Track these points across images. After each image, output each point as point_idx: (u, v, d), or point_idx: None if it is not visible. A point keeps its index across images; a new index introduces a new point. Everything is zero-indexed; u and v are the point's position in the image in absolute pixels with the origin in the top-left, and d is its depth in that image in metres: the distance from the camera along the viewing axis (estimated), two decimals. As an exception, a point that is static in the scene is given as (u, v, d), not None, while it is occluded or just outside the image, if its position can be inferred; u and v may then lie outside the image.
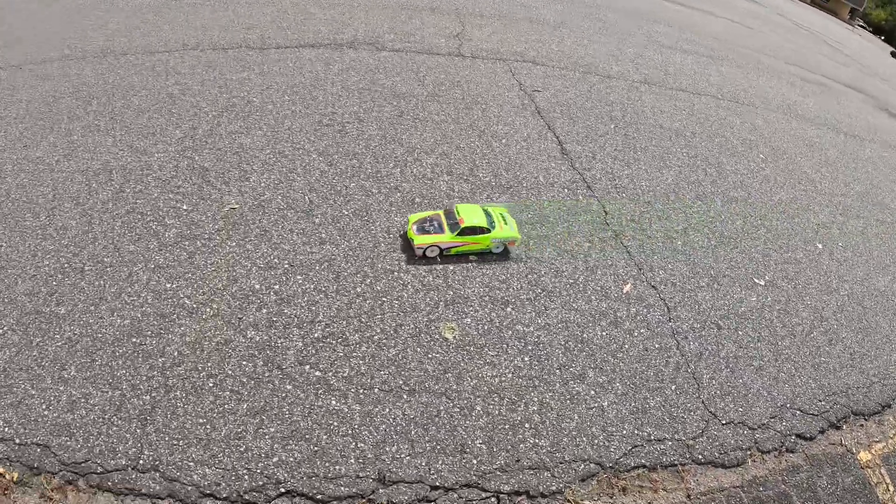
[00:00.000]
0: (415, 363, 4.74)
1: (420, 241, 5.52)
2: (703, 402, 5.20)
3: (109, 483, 3.92)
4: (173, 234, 5.53)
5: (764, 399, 5.42)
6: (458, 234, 5.53)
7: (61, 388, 4.32)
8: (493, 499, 4.15)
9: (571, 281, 5.79)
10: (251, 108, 7.47)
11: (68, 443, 4.05)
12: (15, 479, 3.92)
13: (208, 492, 3.92)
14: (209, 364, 4.56)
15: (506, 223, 5.77)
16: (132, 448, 4.06)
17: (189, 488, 3.93)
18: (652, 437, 4.82)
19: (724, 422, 5.11)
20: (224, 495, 3.92)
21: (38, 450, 4.02)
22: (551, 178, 7.03)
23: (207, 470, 4.00)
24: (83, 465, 3.97)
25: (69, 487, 3.91)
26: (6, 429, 4.10)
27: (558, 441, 4.55)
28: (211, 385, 4.44)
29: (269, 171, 6.42)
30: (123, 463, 3.99)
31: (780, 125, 10.98)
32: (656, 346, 5.50)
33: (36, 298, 4.88)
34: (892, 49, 36.21)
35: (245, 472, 4.01)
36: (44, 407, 4.22)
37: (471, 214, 5.60)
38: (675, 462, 4.76)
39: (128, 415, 4.22)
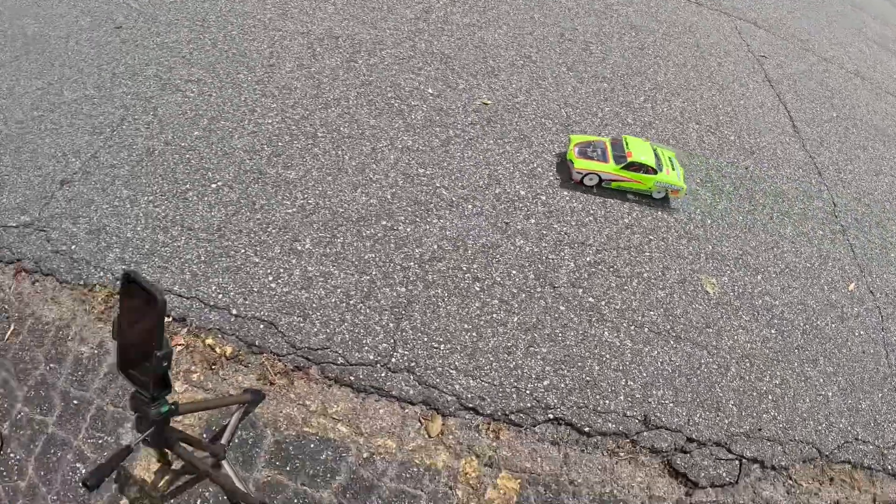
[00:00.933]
0: (680, 310, 4.36)
1: (581, 164, 4.79)
2: (898, 416, 4.84)
3: (351, 378, 3.34)
4: (420, 118, 5.01)
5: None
6: (622, 168, 4.77)
7: (293, 261, 3.71)
8: (736, 461, 3.91)
9: (808, 265, 5.25)
10: (487, 2, 6.74)
11: (301, 324, 3.44)
12: (228, 355, 3.25)
13: (470, 405, 3.42)
14: (475, 266, 4.09)
15: (673, 169, 4.97)
16: (383, 343, 3.50)
17: (449, 398, 3.41)
18: (859, 438, 4.49)
19: (911, 440, 4.76)
20: (488, 411, 3.44)
21: (262, 326, 3.39)
22: (787, 154, 6.27)
23: (472, 381, 3.50)
24: (319, 352, 3.38)
25: (298, 374, 3.28)
26: (220, 296, 3.44)
27: (792, 419, 4.24)
28: (477, 289, 3.97)
29: (518, 73, 5.81)
30: (371, 358, 3.42)
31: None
32: (871, 350, 5.05)
33: (257, 157, 4.29)
34: None
35: (513, 390, 3.57)
36: (270, 278, 3.60)
37: (640, 149, 4.81)
38: (872, 466, 4.45)
39: (378, 305, 3.65)
